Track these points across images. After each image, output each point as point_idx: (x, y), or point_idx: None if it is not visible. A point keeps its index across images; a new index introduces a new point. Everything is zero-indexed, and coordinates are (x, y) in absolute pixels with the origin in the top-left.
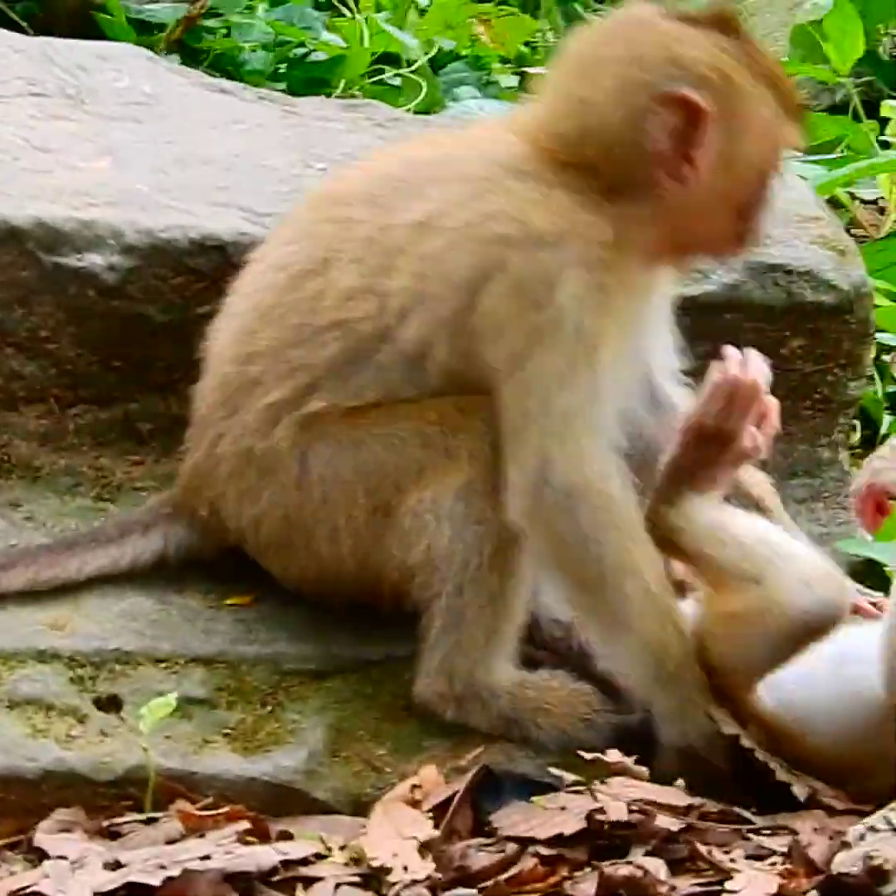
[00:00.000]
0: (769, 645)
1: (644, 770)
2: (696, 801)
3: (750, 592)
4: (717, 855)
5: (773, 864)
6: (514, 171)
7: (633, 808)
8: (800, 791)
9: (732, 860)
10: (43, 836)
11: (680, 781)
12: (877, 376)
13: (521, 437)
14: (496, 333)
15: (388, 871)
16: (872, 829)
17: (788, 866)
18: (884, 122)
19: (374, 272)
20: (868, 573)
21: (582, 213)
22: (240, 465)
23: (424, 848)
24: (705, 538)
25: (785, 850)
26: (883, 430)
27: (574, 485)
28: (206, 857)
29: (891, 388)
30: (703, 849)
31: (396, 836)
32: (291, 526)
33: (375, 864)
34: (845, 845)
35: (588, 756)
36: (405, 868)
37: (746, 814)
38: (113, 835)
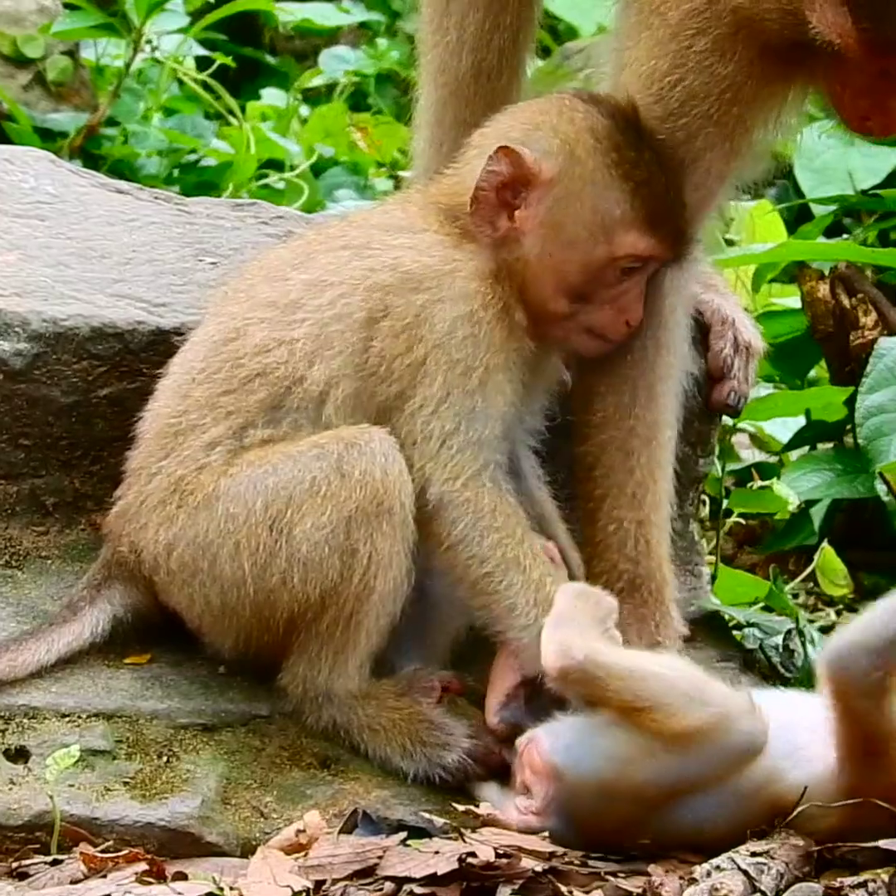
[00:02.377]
0: (709, 762)
1: (512, 820)
2: (559, 849)
3: (697, 713)
4: (578, 895)
5: None
6: (387, 228)
7: (501, 852)
8: None
9: None
10: None
11: (545, 832)
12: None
13: (409, 460)
14: (387, 372)
15: None
16: (718, 868)
17: None
18: (729, 221)
19: (279, 327)
20: (715, 625)
21: (451, 251)
22: (166, 494)
23: (298, 895)
24: (631, 677)
25: (640, 890)
26: (725, 504)
27: (448, 498)
28: None
29: (733, 466)
30: (565, 889)
31: (272, 882)
32: (199, 548)
33: None
34: (693, 881)
35: (461, 807)
36: None
37: (602, 862)
38: (21, 875)
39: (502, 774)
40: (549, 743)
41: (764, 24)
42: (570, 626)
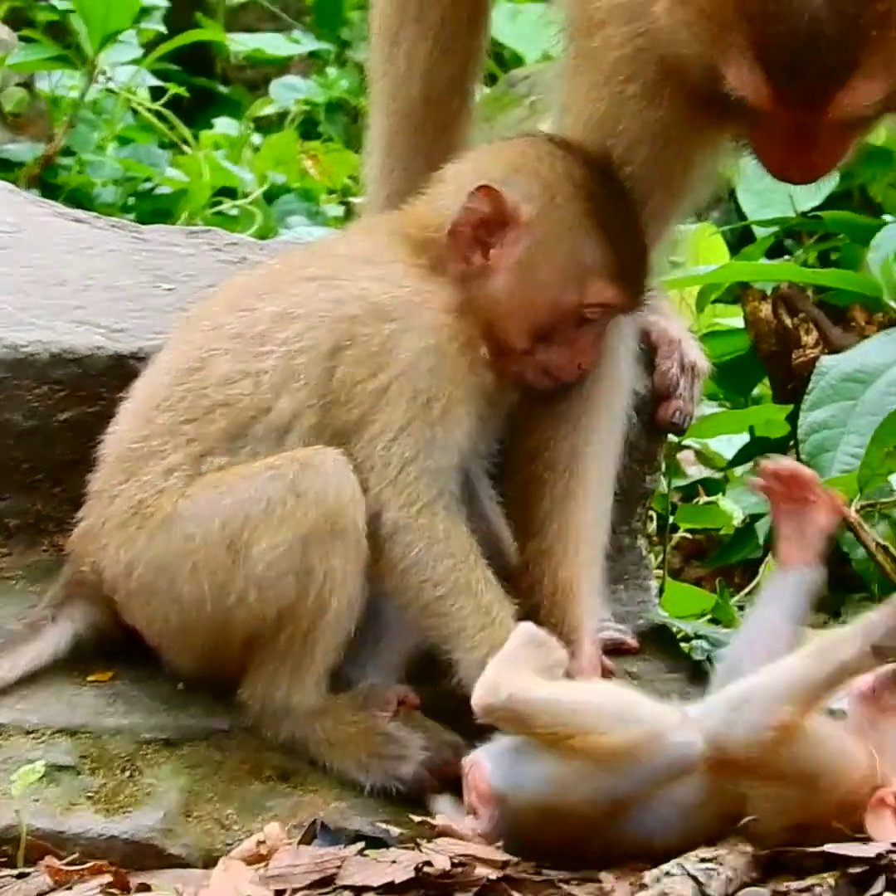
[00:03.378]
0: (644, 777)
1: (467, 832)
2: (513, 858)
3: (627, 731)
4: None
5: None
6: (355, 259)
7: (456, 861)
8: None
9: None
10: None
11: (499, 842)
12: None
13: (366, 484)
14: (348, 398)
15: None
16: (667, 874)
17: None
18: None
19: (245, 359)
20: (663, 638)
21: (421, 283)
22: (126, 516)
23: None
24: (557, 710)
25: None
26: (671, 519)
27: (404, 523)
28: None
29: (679, 482)
30: None
31: (234, 893)
32: (158, 568)
33: None
34: (643, 887)
35: (417, 819)
36: None
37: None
38: None
39: (457, 786)
40: (490, 768)
41: (686, 75)
42: (510, 668)
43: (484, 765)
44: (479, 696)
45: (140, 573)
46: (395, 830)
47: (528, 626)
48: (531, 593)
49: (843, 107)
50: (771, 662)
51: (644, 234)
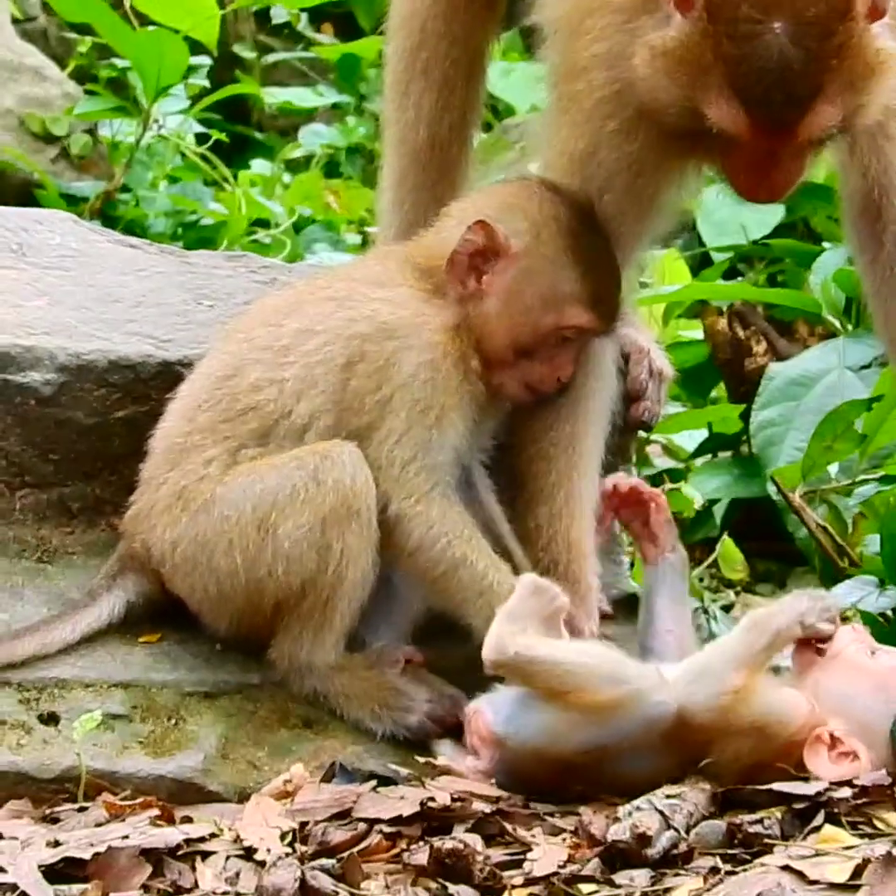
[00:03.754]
0: (627, 730)
1: (465, 771)
2: (504, 793)
3: (614, 690)
4: (521, 832)
5: (564, 839)
6: (368, 282)
7: (456, 796)
8: None
9: (533, 836)
10: None
11: (492, 780)
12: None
13: (376, 480)
14: (359, 406)
15: (255, 850)
16: (638, 808)
17: (576, 840)
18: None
19: (272, 368)
20: (634, 605)
21: (422, 305)
22: (172, 500)
23: (285, 834)
24: (556, 667)
25: (573, 828)
26: None
27: (404, 512)
28: (126, 837)
29: (647, 471)
30: (509, 827)
31: (264, 824)
32: (199, 545)
33: (247, 844)
34: (616, 820)
35: (422, 760)
36: (268, 850)
37: (541, 804)
38: (53, 820)
39: (456, 732)
40: (491, 715)
41: (665, 115)
42: (515, 622)
43: (486, 712)
44: (488, 652)
45: (183, 549)
46: (403, 770)
47: (530, 578)
48: (546, 550)
49: (810, 128)
50: (679, 638)
51: (618, 268)
